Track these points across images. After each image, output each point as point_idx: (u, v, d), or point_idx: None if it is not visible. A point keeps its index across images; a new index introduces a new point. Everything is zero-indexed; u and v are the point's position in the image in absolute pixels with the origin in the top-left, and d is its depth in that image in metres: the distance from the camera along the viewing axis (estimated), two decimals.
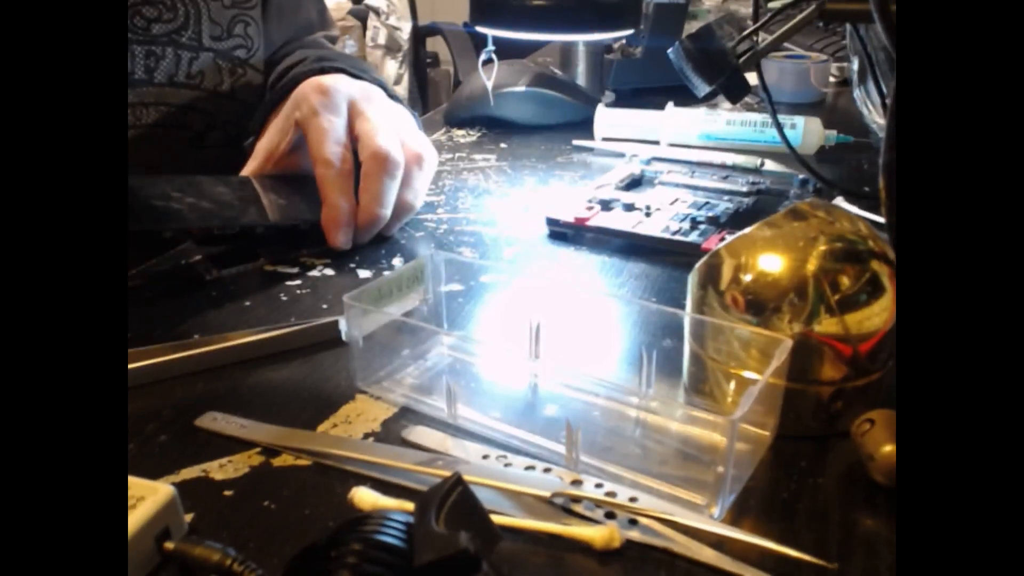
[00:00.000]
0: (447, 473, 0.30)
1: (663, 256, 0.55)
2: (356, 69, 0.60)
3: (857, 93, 0.77)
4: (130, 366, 0.40)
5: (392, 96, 0.61)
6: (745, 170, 0.71)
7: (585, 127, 0.81)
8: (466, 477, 0.26)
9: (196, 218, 0.49)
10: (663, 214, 0.59)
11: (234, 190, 0.53)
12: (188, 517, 0.31)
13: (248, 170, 0.57)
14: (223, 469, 0.34)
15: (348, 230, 0.53)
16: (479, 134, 0.84)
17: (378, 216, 0.53)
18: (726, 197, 0.64)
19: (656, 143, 0.78)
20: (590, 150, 0.79)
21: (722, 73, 0.55)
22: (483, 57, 0.67)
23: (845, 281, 0.34)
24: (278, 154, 0.56)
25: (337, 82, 0.55)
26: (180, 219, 0.49)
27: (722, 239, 0.52)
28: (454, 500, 0.24)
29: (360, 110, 0.54)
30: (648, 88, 0.95)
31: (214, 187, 0.53)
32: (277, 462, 0.35)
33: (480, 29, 0.61)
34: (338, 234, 0.53)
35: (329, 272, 0.53)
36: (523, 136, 0.83)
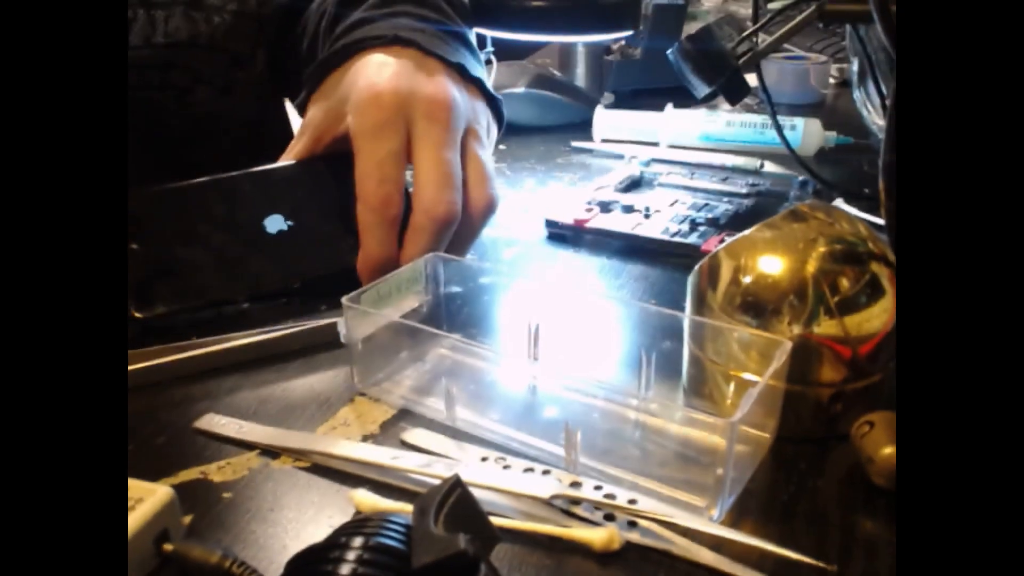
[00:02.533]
0: (446, 475, 0.30)
1: (662, 258, 0.54)
2: (431, 41, 0.51)
3: (857, 94, 0.77)
4: (129, 367, 0.40)
5: (474, 79, 0.53)
6: (745, 172, 0.71)
7: (584, 128, 0.81)
8: (465, 479, 0.25)
9: (215, 289, 0.46)
10: (662, 216, 0.59)
11: (252, 244, 0.48)
12: (187, 519, 0.31)
13: (295, 150, 0.52)
14: (222, 471, 0.34)
15: (381, 274, 0.47)
16: None
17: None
18: (726, 199, 0.64)
19: (655, 144, 0.78)
20: (589, 151, 0.79)
21: (722, 74, 0.55)
22: (482, 58, 0.66)
23: (845, 283, 0.34)
24: (326, 141, 0.51)
25: (399, 85, 0.48)
26: (199, 295, 0.46)
27: (722, 241, 0.52)
28: (453, 502, 0.24)
29: (420, 136, 0.47)
30: (647, 89, 0.95)
31: (234, 244, 0.48)
32: (276, 464, 0.35)
33: (480, 29, 0.61)
34: (370, 279, 0.46)
35: None
36: (522, 137, 0.83)
